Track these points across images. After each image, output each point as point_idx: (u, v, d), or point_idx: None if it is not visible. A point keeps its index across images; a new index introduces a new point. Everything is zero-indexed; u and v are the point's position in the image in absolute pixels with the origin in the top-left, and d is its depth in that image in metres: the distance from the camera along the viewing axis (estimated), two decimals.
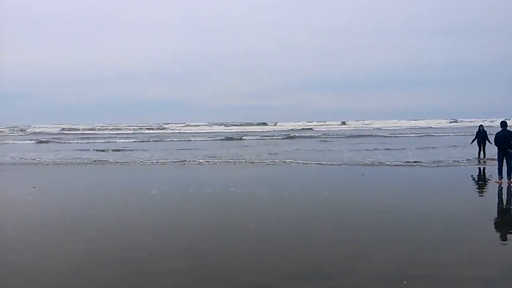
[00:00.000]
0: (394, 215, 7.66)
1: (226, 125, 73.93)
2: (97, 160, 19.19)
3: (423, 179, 12.40)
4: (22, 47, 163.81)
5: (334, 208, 8.47)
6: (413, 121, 78.82)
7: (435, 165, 15.57)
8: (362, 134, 43.03)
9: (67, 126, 70.04)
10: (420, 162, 16.28)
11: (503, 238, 6.36)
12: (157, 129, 67.07)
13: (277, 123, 77.04)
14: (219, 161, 18.11)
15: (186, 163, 17.59)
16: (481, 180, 12.33)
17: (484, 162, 16.73)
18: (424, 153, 20.35)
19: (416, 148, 23.20)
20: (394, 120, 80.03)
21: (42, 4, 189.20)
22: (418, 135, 39.64)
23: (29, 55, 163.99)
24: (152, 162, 17.96)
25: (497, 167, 11.42)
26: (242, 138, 38.58)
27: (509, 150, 11.01)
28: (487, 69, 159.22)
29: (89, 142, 33.98)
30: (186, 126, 74.34)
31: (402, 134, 41.49)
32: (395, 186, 11.12)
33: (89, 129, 65.89)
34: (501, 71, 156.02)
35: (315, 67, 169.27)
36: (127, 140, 36.06)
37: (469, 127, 60.38)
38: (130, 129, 64.45)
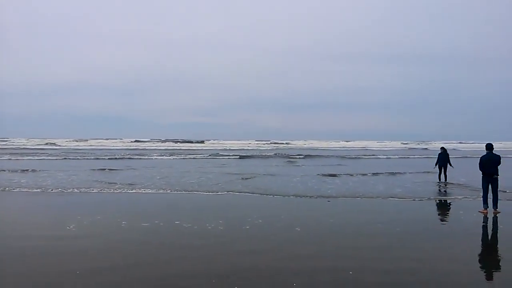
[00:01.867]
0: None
1: (162, 141, 73.50)
2: None
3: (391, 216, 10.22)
4: None
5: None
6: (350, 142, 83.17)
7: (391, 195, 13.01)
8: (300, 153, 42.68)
9: None
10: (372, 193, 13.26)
11: None
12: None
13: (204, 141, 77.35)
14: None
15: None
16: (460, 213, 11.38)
17: (445, 185, 16.33)
18: (376, 180, 17.91)
19: (368, 174, 20.46)
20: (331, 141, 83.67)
21: None
22: (363, 156, 39.92)
23: None
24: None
25: (481, 195, 10.52)
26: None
27: (495, 176, 10.15)
28: (415, 95, 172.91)
29: None
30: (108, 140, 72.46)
31: (348, 155, 41.60)
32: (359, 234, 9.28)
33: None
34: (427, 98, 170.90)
35: (260, 87, 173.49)
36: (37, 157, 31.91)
37: (409, 148, 64.03)
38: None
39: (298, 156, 38.04)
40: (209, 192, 13.62)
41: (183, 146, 65.19)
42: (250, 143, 76.66)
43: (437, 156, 17.93)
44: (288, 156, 37.79)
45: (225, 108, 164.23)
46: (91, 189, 14.21)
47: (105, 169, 22.31)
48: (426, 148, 70.13)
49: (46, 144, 64.64)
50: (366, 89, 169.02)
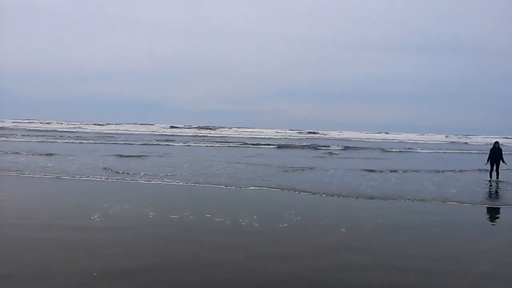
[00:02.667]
0: None
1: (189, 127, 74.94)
2: None
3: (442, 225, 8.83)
4: None
5: None
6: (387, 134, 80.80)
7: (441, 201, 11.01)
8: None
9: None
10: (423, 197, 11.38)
11: None
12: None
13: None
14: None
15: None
16: None
17: (497, 184, 15.00)
18: (424, 178, 16.49)
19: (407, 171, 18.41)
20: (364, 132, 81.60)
21: None
22: (400, 150, 38.02)
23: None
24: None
25: None
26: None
27: None
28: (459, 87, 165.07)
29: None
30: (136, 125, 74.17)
31: (383, 147, 39.75)
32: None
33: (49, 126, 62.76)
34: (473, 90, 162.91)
35: (291, 77, 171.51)
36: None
37: (451, 142, 60.93)
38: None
39: (337, 147, 36.74)
40: (248, 186, 12.32)
41: (217, 133, 65.19)
42: (284, 132, 75.81)
43: (489, 151, 16.46)
44: (327, 147, 36.43)
45: (257, 97, 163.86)
46: (116, 177, 13.87)
47: (141, 155, 22.14)
48: (466, 143, 66.55)
49: (79, 127, 66.51)
50: (402, 78, 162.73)
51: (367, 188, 12.61)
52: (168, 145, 33.21)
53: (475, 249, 6.73)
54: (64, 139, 34.44)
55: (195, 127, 78.59)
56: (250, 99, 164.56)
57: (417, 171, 18.54)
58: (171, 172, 14.84)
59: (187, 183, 12.70)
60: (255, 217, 8.34)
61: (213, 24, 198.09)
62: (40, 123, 74.77)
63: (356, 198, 11.01)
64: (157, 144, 33.30)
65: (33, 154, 20.08)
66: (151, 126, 77.30)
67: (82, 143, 31.55)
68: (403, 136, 78.53)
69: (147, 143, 34.19)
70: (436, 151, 38.22)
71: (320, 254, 6.11)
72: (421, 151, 37.56)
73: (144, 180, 12.95)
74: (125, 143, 32.71)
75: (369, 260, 5.89)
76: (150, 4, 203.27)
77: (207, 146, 34.17)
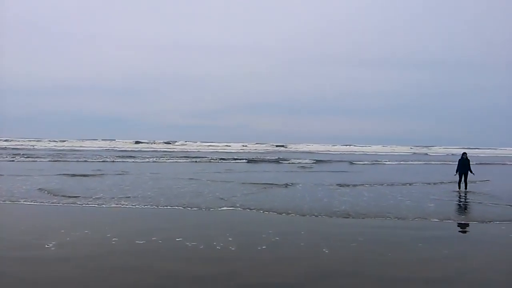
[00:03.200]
0: None
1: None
2: None
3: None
4: None
5: None
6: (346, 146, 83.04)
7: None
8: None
9: None
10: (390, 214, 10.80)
11: None
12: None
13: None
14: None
15: None
16: None
17: (465, 194, 15.31)
18: (398, 191, 16.39)
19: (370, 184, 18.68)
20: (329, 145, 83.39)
21: None
22: (369, 162, 38.64)
23: None
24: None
25: None
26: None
27: None
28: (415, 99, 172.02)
29: None
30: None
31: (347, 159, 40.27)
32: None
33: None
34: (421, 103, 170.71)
35: (257, 90, 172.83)
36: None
37: (413, 153, 62.86)
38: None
39: (308, 161, 36.75)
40: (220, 207, 11.47)
41: (182, 148, 64.00)
42: (251, 146, 75.59)
43: (457, 162, 16.80)
44: (298, 161, 36.30)
45: (223, 111, 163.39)
46: (74, 197, 12.86)
47: (97, 174, 20.92)
48: (426, 154, 69.29)
49: (33, 145, 63.20)
50: (368, 94, 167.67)
51: (341, 205, 12.09)
52: (128, 161, 31.87)
53: (466, 266, 6.49)
54: (12, 158, 32.25)
55: (160, 142, 76.95)
56: (214, 113, 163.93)
57: (390, 184, 18.49)
58: (132, 192, 13.81)
59: (150, 204, 11.65)
60: (230, 239, 7.77)
61: (176, 38, 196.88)
62: None
63: (332, 217, 10.58)
64: (117, 161, 31.81)
65: None
66: (112, 142, 74.87)
67: (35, 161, 29.74)
68: (370, 149, 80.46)
69: (105, 159, 32.68)
70: (401, 162, 39.17)
71: (307, 282, 5.63)
72: (388, 163, 38.35)
73: (101, 202, 11.86)
74: (79, 160, 31.06)
75: (361, 285, 5.49)
76: (115, 19, 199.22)
77: (171, 161, 33.17)
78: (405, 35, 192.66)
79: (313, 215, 10.64)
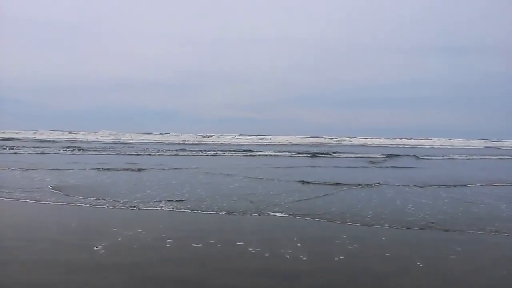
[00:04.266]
0: None
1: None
2: None
3: None
4: (15, 52, 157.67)
5: None
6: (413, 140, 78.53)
7: None
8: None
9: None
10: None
11: None
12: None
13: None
14: None
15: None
16: None
17: None
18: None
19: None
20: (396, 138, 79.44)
21: (37, 10, 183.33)
22: (440, 157, 35.78)
23: (22, 61, 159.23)
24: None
25: None
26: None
27: None
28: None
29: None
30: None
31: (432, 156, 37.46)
32: None
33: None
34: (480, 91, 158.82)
35: (309, 83, 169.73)
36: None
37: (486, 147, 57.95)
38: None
39: (379, 156, 34.36)
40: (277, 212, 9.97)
41: (238, 141, 64.05)
42: (302, 139, 74.21)
43: None
44: (370, 156, 33.83)
45: (276, 104, 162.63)
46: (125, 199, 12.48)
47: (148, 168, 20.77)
48: (497, 147, 63.61)
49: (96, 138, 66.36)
50: (428, 83, 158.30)
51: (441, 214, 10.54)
52: (189, 155, 31.90)
53: None
54: (82, 150, 33.56)
55: (212, 136, 78.04)
56: (265, 106, 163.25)
57: (469, 183, 15.83)
58: (186, 191, 13.32)
59: (208, 210, 10.42)
60: (298, 245, 6.78)
61: (226, 32, 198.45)
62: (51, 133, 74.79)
63: (410, 228, 9.24)
64: (179, 154, 31.92)
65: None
66: (183, 135, 77.42)
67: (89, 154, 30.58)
68: (432, 142, 75.96)
69: (162, 153, 32.94)
70: (473, 157, 35.93)
71: None
72: (459, 157, 35.38)
73: (151, 203, 11.46)
74: (137, 154, 31.50)
75: None
76: (165, 17, 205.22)
77: (231, 155, 32.66)
78: (469, 20, 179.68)
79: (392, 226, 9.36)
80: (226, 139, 71.05)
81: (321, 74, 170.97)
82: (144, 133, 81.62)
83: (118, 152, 31.81)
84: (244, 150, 38.29)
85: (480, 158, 35.17)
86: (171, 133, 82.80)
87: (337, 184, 14.58)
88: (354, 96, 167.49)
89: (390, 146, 61.49)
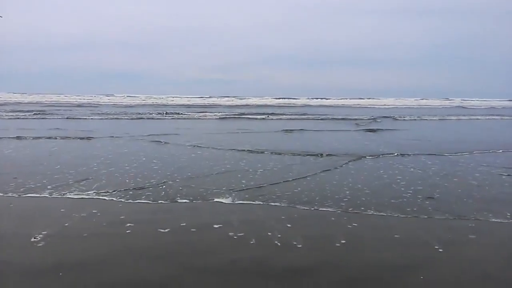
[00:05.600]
0: None
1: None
2: None
3: None
4: None
5: None
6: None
7: None
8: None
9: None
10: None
11: None
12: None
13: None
14: None
15: None
16: None
17: None
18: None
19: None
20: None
21: None
22: (412, 118, 35.65)
23: None
24: None
25: None
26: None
27: None
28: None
29: None
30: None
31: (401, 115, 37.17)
32: None
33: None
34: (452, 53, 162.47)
35: (280, 44, 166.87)
36: None
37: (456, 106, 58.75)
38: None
39: (363, 118, 32.84)
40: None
41: (209, 103, 62.10)
42: (272, 101, 73.19)
43: None
44: (353, 119, 32.04)
45: (247, 65, 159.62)
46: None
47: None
48: (463, 107, 64.13)
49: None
50: (393, 45, 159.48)
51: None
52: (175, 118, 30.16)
53: None
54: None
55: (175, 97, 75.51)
56: (236, 67, 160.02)
57: (469, 152, 13.54)
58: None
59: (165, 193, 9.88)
60: (289, 225, 5.78)
61: None
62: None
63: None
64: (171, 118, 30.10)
65: None
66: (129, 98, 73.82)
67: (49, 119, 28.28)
68: (399, 102, 76.70)
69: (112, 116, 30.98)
70: (446, 118, 35.85)
71: None
72: (433, 119, 35.32)
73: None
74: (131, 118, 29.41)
75: None
76: None
77: (193, 118, 31.14)
78: None
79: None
80: (195, 101, 68.78)
81: (295, 34, 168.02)
82: (107, 95, 78.13)
83: (69, 116, 29.53)
84: (216, 113, 36.86)
85: (458, 119, 35.21)
86: (127, 95, 79.54)
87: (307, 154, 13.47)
88: (328, 57, 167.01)
89: (366, 107, 61.45)
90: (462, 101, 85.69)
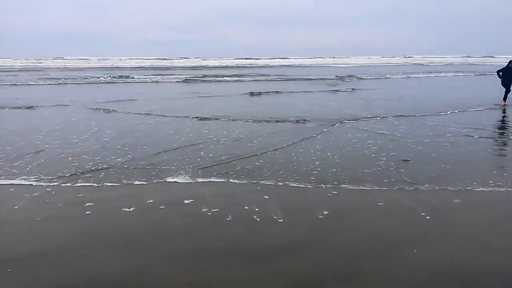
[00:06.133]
0: None
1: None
2: None
3: None
4: None
5: None
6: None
7: None
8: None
9: None
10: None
11: None
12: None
13: None
14: None
15: None
16: None
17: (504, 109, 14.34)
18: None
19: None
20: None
21: None
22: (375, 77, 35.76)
23: None
24: None
25: None
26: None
27: None
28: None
29: None
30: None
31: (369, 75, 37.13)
32: None
33: None
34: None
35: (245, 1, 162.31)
36: None
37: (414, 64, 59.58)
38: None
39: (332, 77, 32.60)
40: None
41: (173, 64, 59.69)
42: (229, 61, 71.66)
43: (496, 73, 15.37)
44: (321, 78, 31.89)
45: (206, 24, 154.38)
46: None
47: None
48: (422, 64, 65.24)
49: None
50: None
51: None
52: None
53: None
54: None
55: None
56: (194, 27, 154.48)
57: (437, 113, 13.35)
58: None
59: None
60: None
61: None
62: None
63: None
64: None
65: None
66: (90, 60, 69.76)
67: None
68: (359, 60, 77.28)
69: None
70: (409, 76, 36.13)
71: None
72: (396, 77, 35.53)
73: None
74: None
75: None
76: None
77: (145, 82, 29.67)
78: None
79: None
80: (153, 63, 65.98)
81: None
82: (55, 58, 73.08)
83: (10, 83, 27.36)
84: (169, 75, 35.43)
85: (416, 77, 35.58)
86: (78, 57, 75.04)
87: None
88: (289, 16, 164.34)
89: (328, 66, 61.30)
90: (422, 58, 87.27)
